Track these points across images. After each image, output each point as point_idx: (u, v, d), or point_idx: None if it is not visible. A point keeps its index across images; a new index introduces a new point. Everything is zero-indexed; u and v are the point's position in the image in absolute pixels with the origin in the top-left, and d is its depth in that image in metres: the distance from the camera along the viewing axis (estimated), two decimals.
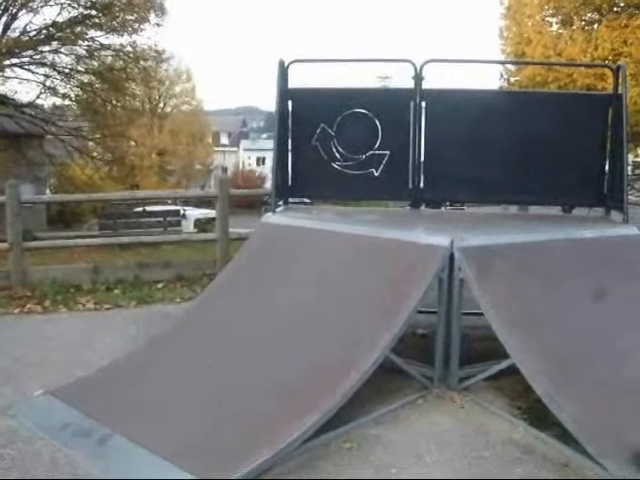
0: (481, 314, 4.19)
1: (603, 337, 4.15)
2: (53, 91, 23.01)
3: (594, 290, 4.36)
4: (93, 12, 21.79)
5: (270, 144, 6.21)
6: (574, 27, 18.62)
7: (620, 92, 5.63)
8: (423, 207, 6.37)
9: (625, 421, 3.54)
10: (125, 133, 24.98)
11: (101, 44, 22.59)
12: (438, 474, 3.46)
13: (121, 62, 23.12)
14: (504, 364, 4.10)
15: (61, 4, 21.40)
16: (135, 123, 27.57)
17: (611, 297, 4.34)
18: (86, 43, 22.41)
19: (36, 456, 3.60)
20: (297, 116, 5.98)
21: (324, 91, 6.08)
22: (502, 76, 21.21)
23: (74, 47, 22.34)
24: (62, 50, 22.27)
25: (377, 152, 5.93)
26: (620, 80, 5.65)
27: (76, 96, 23.61)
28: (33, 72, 22.43)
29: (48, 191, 26.77)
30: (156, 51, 23.99)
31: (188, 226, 21.37)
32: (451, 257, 4.35)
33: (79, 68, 22.96)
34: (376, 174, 5.95)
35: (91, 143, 25.58)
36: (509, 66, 21.47)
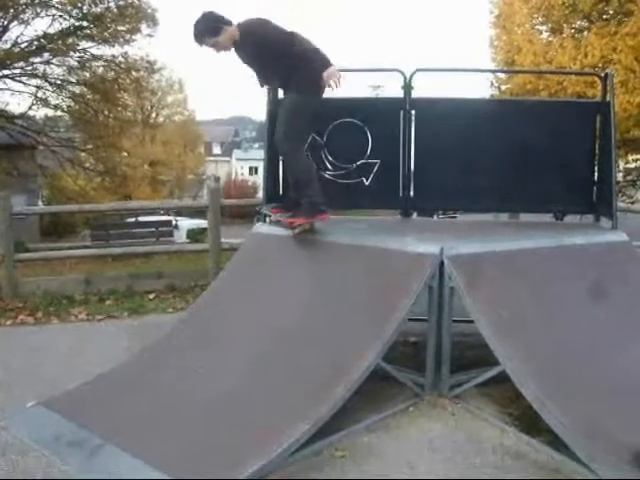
0: (471, 321, 4.21)
1: (592, 341, 4.18)
2: (45, 102, 23.05)
3: (583, 296, 4.39)
4: (84, 23, 21.84)
5: (262, 154, 6.20)
6: (564, 35, 18.65)
7: (608, 99, 5.67)
8: (414, 216, 6.39)
9: (615, 424, 3.56)
10: (117, 144, 24.98)
11: (93, 55, 22.67)
12: None
13: (113, 73, 23.18)
14: (495, 371, 4.11)
15: (52, 15, 21.46)
16: (127, 134, 27.61)
17: (599, 302, 4.38)
18: (77, 54, 22.47)
19: (29, 468, 3.59)
20: None
21: None
22: (493, 84, 21.22)
23: (65, 58, 22.40)
24: (54, 61, 22.32)
25: (367, 161, 5.97)
26: (608, 87, 5.69)
27: (68, 107, 23.64)
28: (25, 83, 22.47)
29: (40, 202, 26.76)
30: (148, 62, 24.09)
31: (181, 236, 21.36)
32: (441, 265, 4.36)
33: (71, 79, 23.00)
34: (366, 183, 5.98)
35: (83, 154, 25.61)
36: (500, 74, 21.50)
